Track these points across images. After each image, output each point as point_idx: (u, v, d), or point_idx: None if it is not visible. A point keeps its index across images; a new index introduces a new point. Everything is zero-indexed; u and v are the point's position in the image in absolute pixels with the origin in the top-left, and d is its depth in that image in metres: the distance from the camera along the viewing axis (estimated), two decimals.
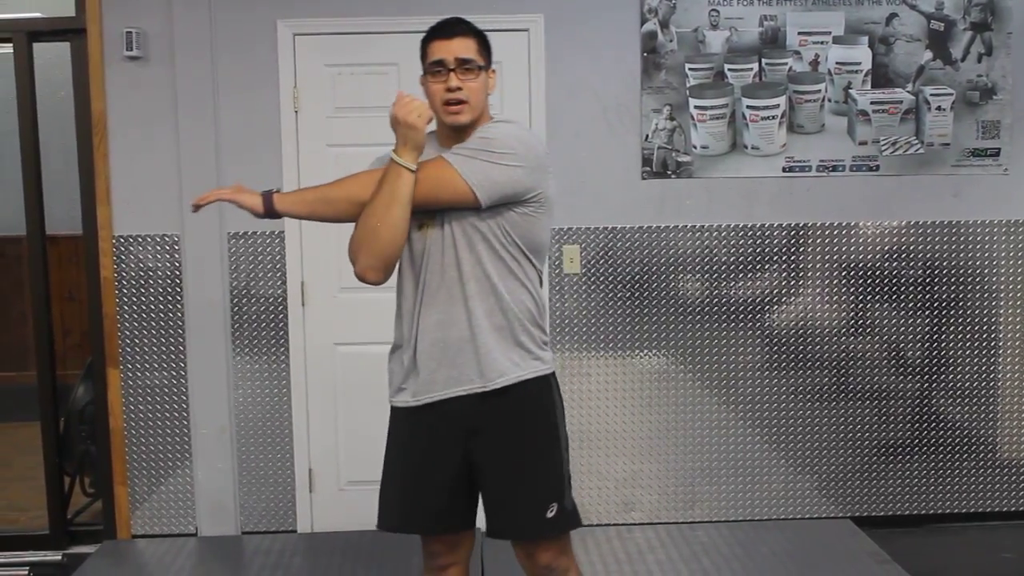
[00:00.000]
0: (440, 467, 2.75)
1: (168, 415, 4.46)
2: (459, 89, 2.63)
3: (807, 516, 4.60)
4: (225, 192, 2.75)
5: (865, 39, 4.46)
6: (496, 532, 2.79)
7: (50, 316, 4.53)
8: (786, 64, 4.45)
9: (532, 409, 2.75)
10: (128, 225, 4.39)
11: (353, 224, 2.65)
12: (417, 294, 2.70)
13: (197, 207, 2.75)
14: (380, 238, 2.57)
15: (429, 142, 2.68)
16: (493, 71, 2.75)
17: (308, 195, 2.74)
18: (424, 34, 2.73)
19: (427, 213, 2.65)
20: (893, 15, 4.45)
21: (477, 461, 2.74)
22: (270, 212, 2.68)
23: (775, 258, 4.52)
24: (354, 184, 2.67)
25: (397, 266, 2.72)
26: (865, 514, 4.60)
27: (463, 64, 2.64)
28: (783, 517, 4.60)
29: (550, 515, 2.73)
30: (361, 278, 2.65)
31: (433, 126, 2.71)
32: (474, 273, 2.64)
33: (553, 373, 2.81)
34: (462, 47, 2.66)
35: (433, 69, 2.66)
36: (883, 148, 4.50)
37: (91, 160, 4.36)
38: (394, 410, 2.84)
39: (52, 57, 4.58)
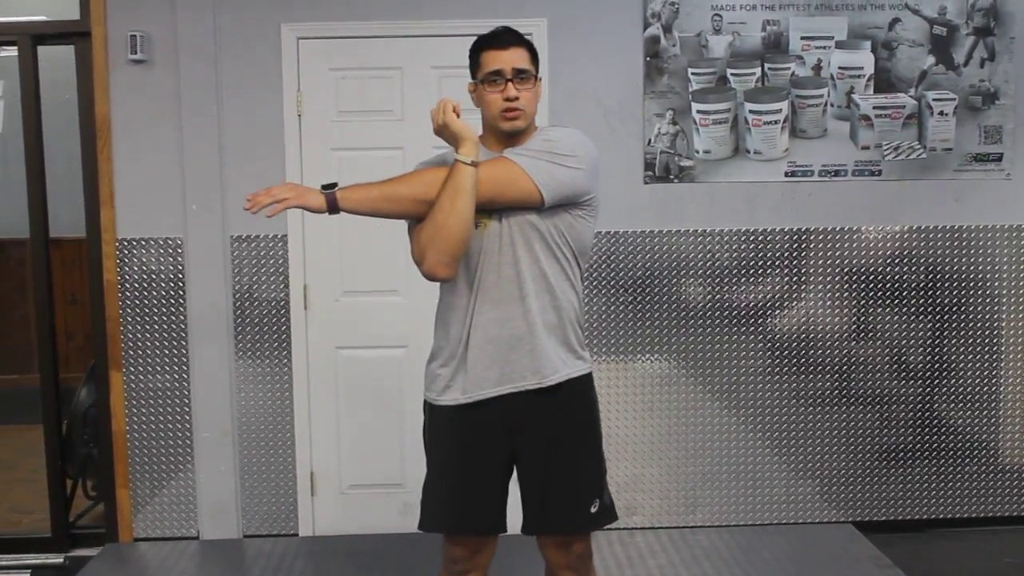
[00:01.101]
0: (492, 465, 2.81)
1: (170, 418, 4.46)
2: (517, 99, 2.71)
3: (809, 521, 4.60)
4: (286, 196, 2.62)
5: (868, 44, 4.46)
6: (539, 528, 2.83)
7: (53, 319, 4.53)
8: (789, 69, 4.45)
9: (578, 407, 2.83)
10: (131, 228, 4.39)
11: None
12: (472, 292, 2.74)
13: (258, 211, 2.66)
14: (450, 232, 2.60)
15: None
16: (540, 79, 2.83)
17: (373, 192, 2.70)
18: (474, 43, 2.80)
19: (486, 212, 2.69)
20: (896, 20, 4.45)
21: (522, 458, 2.80)
22: (334, 210, 2.66)
23: (777, 263, 4.52)
24: (420, 183, 2.69)
25: None
26: (867, 519, 4.60)
27: (520, 74, 2.72)
28: (784, 522, 4.59)
29: (593, 510, 2.82)
30: (431, 275, 2.67)
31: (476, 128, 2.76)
32: (531, 272, 2.71)
33: (591, 372, 2.89)
34: (517, 57, 2.74)
35: (490, 79, 2.73)
36: (885, 153, 4.50)
37: (95, 163, 4.37)
38: (436, 410, 2.85)
39: (56, 60, 4.59)
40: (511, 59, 2.72)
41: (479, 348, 2.73)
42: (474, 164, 2.61)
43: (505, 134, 2.76)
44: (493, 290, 2.72)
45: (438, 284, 2.81)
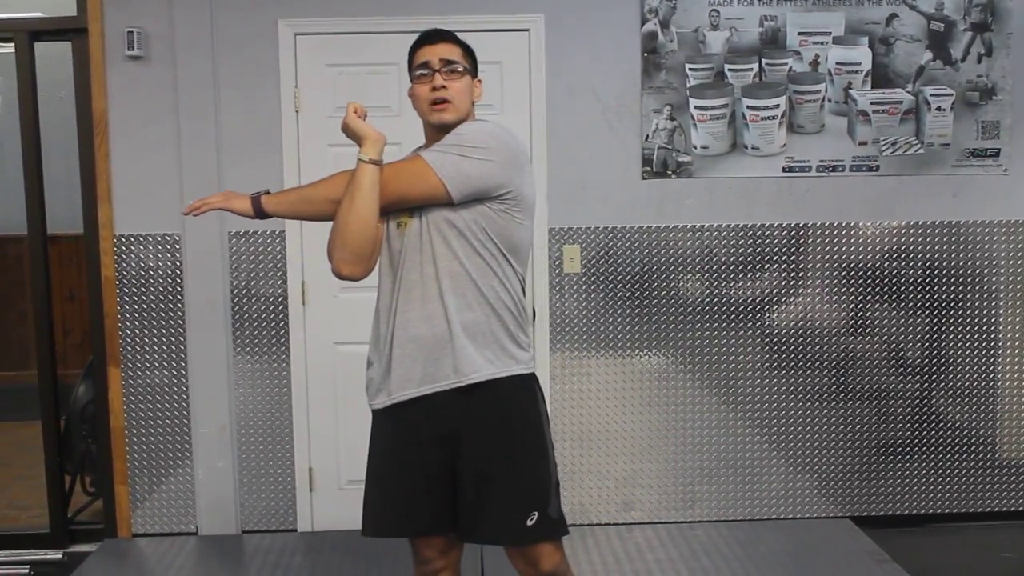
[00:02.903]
0: (419, 467, 2.73)
1: (169, 414, 4.47)
2: (444, 88, 2.70)
3: (806, 516, 4.61)
4: (215, 200, 2.81)
5: (865, 39, 4.46)
6: (468, 536, 2.78)
7: (51, 315, 4.53)
8: (786, 64, 4.45)
9: (511, 412, 2.72)
10: (129, 224, 4.39)
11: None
12: (394, 292, 2.71)
13: (190, 213, 2.84)
14: (349, 230, 2.61)
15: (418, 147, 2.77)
16: (479, 80, 2.83)
17: (292, 195, 2.83)
18: (410, 47, 2.83)
19: (406, 211, 2.68)
20: (893, 15, 4.45)
21: (456, 464, 2.72)
22: (260, 214, 2.76)
23: (775, 258, 4.52)
24: (333, 184, 2.72)
25: (378, 266, 2.75)
26: (864, 514, 4.61)
27: (447, 64, 2.72)
28: (782, 517, 4.60)
29: (530, 523, 2.70)
30: (337, 273, 2.67)
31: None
32: (450, 269, 2.65)
33: (533, 376, 2.80)
34: (446, 50, 2.75)
35: (419, 72, 2.74)
36: (883, 148, 4.50)
37: (92, 160, 4.37)
38: (375, 414, 2.82)
39: (53, 57, 4.58)
40: (440, 51, 2.73)
41: (402, 348, 2.68)
42: (374, 162, 2.61)
43: (435, 129, 2.74)
44: (415, 288, 2.67)
45: None
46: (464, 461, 2.70)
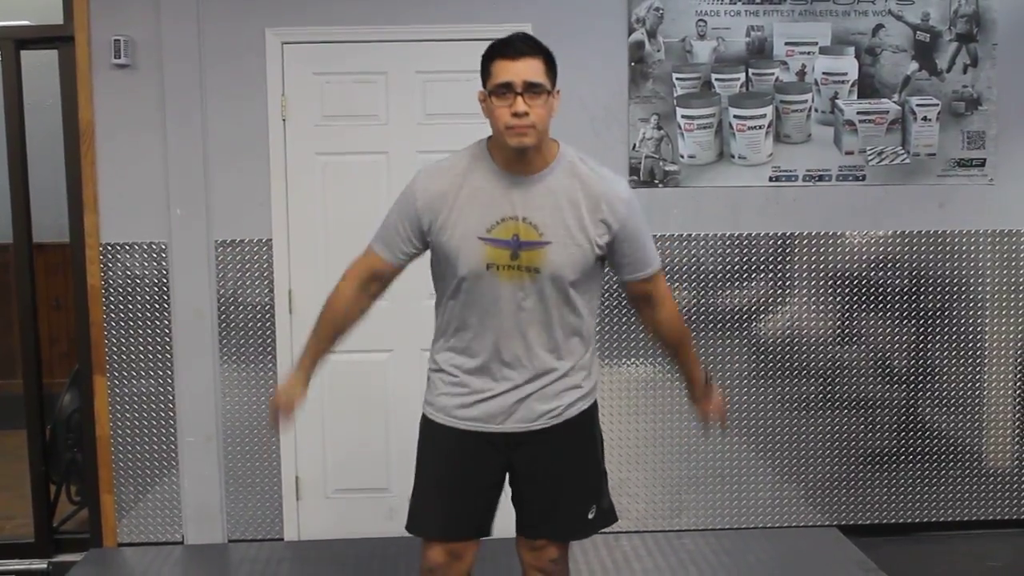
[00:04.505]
0: (485, 472, 2.77)
1: (155, 423, 4.45)
2: (526, 114, 2.52)
3: (794, 524, 4.61)
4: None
5: (851, 50, 4.48)
6: (534, 533, 2.82)
7: (37, 324, 4.51)
8: (773, 74, 4.47)
9: (579, 417, 2.80)
10: (115, 233, 4.38)
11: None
12: None
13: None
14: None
15: (481, 160, 2.67)
16: (558, 92, 2.64)
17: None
18: (486, 50, 2.62)
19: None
20: (879, 26, 4.47)
21: (520, 467, 2.76)
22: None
23: (761, 267, 4.53)
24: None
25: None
26: (851, 522, 4.61)
27: (531, 88, 2.52)
28: (770, 525, 4.60)
29: (590, 516, 2.81)
30: None
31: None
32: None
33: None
34: (529, 69, 2.53)
35: (499, 91, 2.54)
36: (869, 158, 4.52)
37: (78, 168, 4.35)
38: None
39: (40, 65, 4.57)
40: (523, 71, 2.51)
41: None
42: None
43: (513, 151, 2.58)
44: None
45: (423, 289, 2.89)
46: (530, 466, 2.76)
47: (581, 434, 2.83)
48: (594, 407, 2.88)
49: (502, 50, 2.56)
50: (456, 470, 2.78)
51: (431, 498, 2.81)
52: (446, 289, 2.75)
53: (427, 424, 2.85)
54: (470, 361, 2.73)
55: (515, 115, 2.51)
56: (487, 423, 2.73)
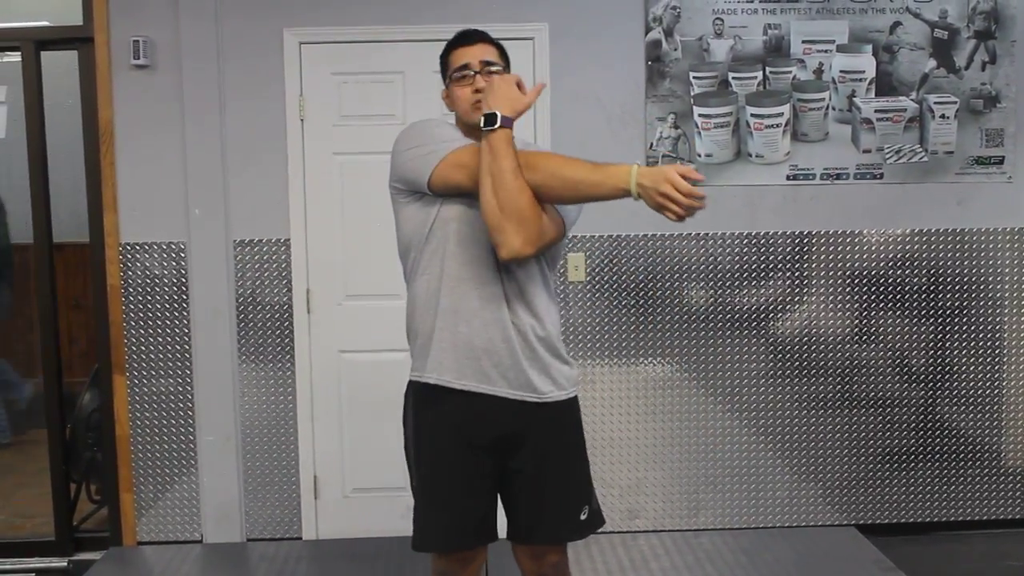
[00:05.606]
0: (476, 475, 2.74)
1: (174, 422, 4.47)
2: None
3: (811, 524, 4.60)
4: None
5: (869, 47, 4.47)
6: (527, 538, 2.80)
7: (57, 323, 4.54)
8: (790, 72, 4.46)
9: (561, 411, 2.79)
10: (135, 233, 4.41)
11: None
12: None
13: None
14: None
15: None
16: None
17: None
18: (443, 49, 2.82)
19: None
20: (897, 24, 4.46)
21: (515, 469, 2.73)
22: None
23: (779, 266, 4.52)
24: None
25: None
26: (869, 522, 4.60)
27: (487, 66, 2.73)
28: (787, 525, 4.60)
29: (583, 517, 2.80)
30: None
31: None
32: None
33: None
34: (484, 51, 2.75)
35: (459, 74, 2.74)
36: (887, 156, 4.50)
37: (98, 168, 4.38)
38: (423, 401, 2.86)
39: (60, 65, 4.60)
40: (478, 53, 2.74)
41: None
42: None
43: (479, 128, 2.61)
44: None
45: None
46: (525, 467, 2.73)
47: (572, 433, 2.84)
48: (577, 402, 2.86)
49: (457, 41, 2.80)
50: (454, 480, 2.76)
51: (433, 512, 2.78)
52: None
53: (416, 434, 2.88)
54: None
55: (476, 91, 2.69)
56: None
